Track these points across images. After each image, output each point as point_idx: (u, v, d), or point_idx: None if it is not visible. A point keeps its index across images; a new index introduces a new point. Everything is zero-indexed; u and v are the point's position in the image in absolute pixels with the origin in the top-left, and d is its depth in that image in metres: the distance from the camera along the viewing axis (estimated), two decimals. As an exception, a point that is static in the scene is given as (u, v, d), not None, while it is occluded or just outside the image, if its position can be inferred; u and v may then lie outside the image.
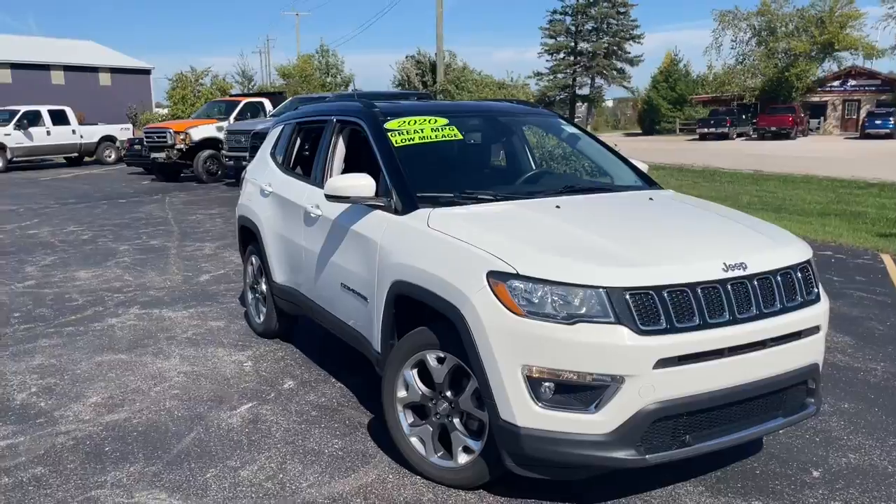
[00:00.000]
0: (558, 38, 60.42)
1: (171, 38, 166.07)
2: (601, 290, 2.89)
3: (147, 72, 55.37)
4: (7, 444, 3.93)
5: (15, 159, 24.24)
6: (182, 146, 18.39)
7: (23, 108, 24.82)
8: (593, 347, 2.87)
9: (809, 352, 3.31)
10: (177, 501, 3.35)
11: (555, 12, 60.38)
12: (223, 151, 16.91)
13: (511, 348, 2.97)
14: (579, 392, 2.93)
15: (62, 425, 4.16)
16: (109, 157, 26.50)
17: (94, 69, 51.52)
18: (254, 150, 13.92)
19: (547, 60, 61.71)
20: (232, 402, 4.47)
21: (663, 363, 2.88)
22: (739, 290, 3.07)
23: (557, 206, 3.67)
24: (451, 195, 3.77)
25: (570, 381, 2.91)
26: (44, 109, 25.06)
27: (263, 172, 5.57)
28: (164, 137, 18.59)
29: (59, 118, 25.13)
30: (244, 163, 14.76)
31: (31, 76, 46.89)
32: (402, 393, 3.52)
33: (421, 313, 3.46)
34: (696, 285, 2.98)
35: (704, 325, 2.96)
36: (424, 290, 3.34)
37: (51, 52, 50.42)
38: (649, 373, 2.87)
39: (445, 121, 4.32)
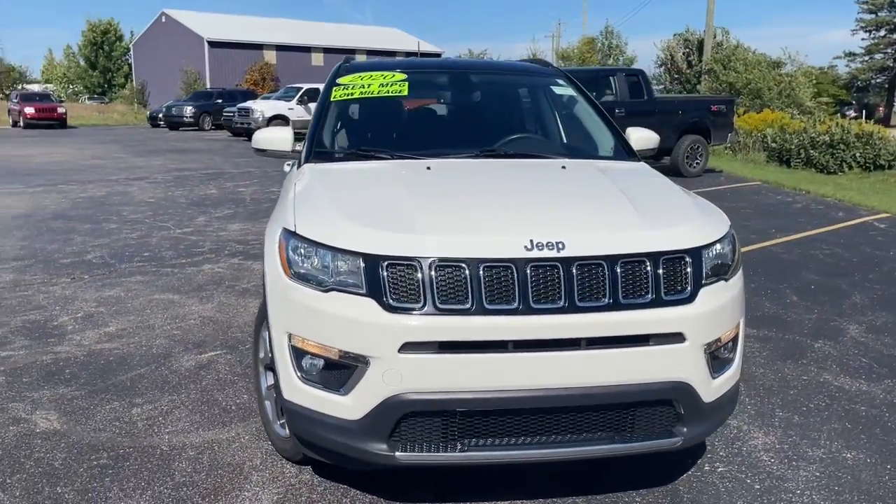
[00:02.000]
0: (879, 13, 52.77)
1: (466, 25, 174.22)
2: (359, 256, 2.51)
3: (438, 55, 58.84)
4: (4, 355, 4.51)
5: (295, 130, 27.35)
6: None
7: (305, 86, 27.81)
8: (340, 320, 2.52)
9: (669, 365, 2.57)
10: (55, 422, 3.59)
11: (878, -17, 52.75)
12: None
13: (281, 313, 2.73)
14: (333, 369, 2.59)
15: (60, 346, 4.65)
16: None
17: (393, 53, 55.97)
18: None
19: (863, 39, 54.35)
20: (205, 348, 4.65)
21: (413, 348, 2.43)
22: (543, 274, 2.47)
23: (428, 168, 3.27)
24: (349, 150, 3.53)
25: (319, 355, 2.59)
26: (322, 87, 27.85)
27: None
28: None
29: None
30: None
31: (334, 59, 52.25)
32: (262, 353, 3.40)
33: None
34: (480, 262, 2.46)
35: (480, 311, 2.44)
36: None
37: (357, 38, 55.75)
38: (394, 357, 2.44)
39: (403, 76, 4.03)
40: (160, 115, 35.85)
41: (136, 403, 3.82)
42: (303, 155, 3.64)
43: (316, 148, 3.63)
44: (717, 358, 2.76)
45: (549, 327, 2.45)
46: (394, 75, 4.02)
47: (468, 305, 2.44)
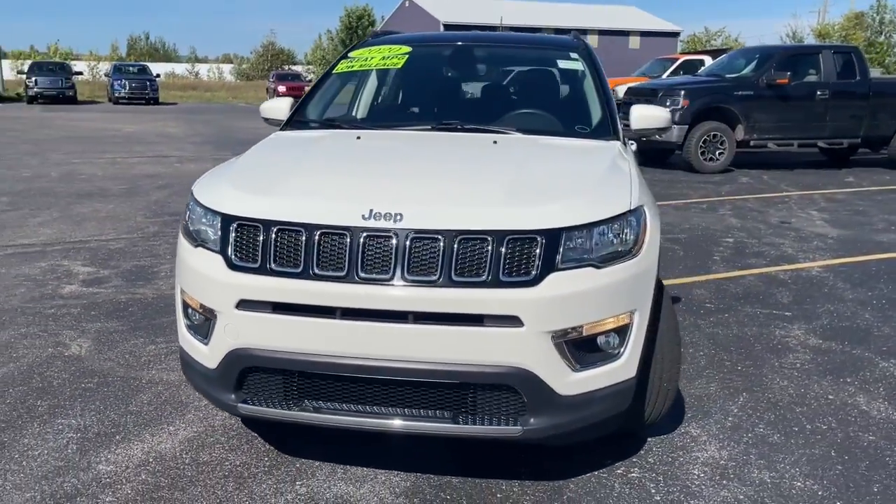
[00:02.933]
0: None
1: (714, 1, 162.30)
2: (218, 215, 2.68)
3: (675, 34, 56.13)
4: (94, 291, 5.27)
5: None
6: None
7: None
8: (199, 275, 2.72)
9: (506, 350, 2.45)
10: (83, 350, 4.18)
11: None
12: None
13: (176, 268, 2.98)
14: (200, 320, 2.79)
15: (142, 289, 5.33)
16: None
17: (626, 33, 54.39)
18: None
19: None
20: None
21: (248, 306, 2.56)
22: (376, 244, 2.47)
23: (358, 138, 3.33)
24: (320, 120, 3.70)
25: (191, 306, 2.80)
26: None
27: None
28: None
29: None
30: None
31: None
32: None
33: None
34: (316, 228, 2.51)
35: (309, 275, 2.50)
36: None
37: (589, 17, 54.86)
38: (232, 312, 2.59)
39: (406, 49, 4.09)
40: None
41: (155, 342, 4.31)
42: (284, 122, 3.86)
43: (295, 116, 3.83)
44: (582, 349, 2.56)
45: (375, 298, 2.45)
46: (400, 48, 4.09)
47: (300, 269, 2.51)
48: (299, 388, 2.63)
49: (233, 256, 2.60)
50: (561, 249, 2.49)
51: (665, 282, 5.59)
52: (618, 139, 3.50)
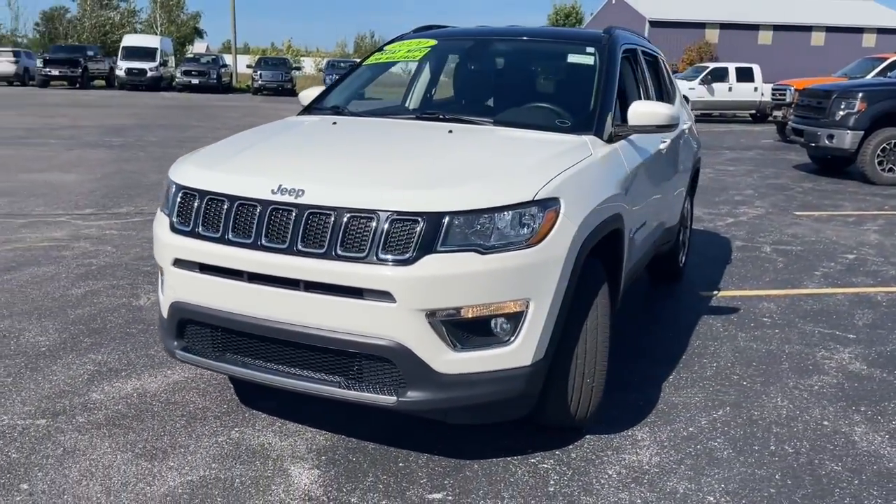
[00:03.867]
0: None
1: None
2: (173, 184, 3.06)
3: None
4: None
5: (696, 111, 26.59)
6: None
7: (711, 65, 26.72)
8: (154, 235, 3.12)
9: (382, 323, 2.61)
10: (147, 300, 4.82)
11: None
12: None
13: None
14: (160, 275, 3.18)
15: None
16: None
17: (859, 30, 49.47)
18: (804, 108, 12.68)
19: None
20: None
21: (182, 264, 2.92)
22: (279, 216, 2.72)
23: (334, 123, 3.59)
24: (330, 107, 4.01)
25: (158, 264, 3.21)
26: (731, 67, 26.41)
27: None
28: (784, 95, 17.92)
29: (744, 75, 26.12)
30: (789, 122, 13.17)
31: (792, 37, 47.96)
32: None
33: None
34: (235, 199, 2.82)
35: (224, 240, 2.81)
36: None
37: (814, 13, 50.50)
38: (170, 269, 2.97)
39: (431, 42, 4.27)
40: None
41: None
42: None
43: (313, 103, 4.15)
44: (463, 330, 2.65)
45: (273, 265, 2.70)
46: (426, 42, 4.28)
47: (219, 235, 2.82)
48: (223, 342, 2.94)
49: (174, 220, 2.98)
50: (442, 232, 2.59)
51: (733, 292, 5.38)
52: (596, 134, 3.44)
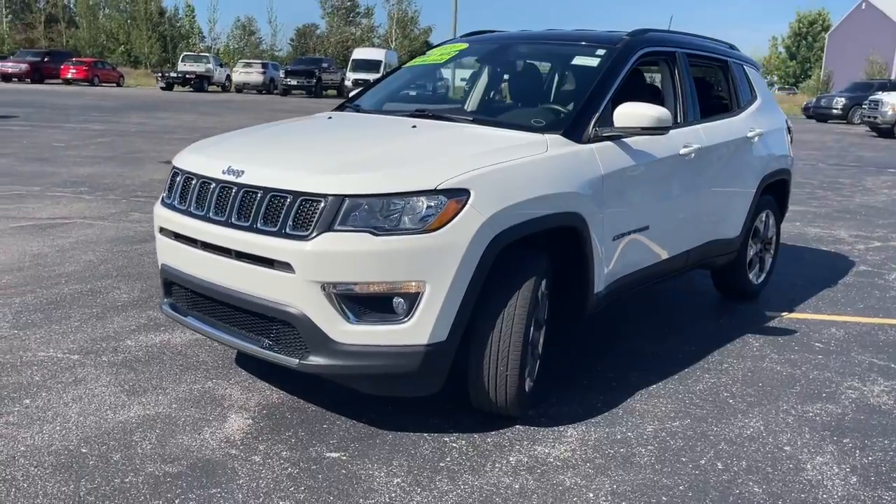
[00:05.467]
0: None
1: None
2: (173, 168, 3.59)
3: None
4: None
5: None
6: None
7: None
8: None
9: (285, 291, 2.93)
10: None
11: None
12: None
13: None
14: (163, 241, 3.74)
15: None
16: None
17: None
18: None
19: None
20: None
21: (164, 232, 3.44)
22: (224, 193, 3.14)
23: (329, 118, 3.94)
24: (353, 105, 4.39)
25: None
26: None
27: None
28: None
29: None
30: None
31: None
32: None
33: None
34: (199, 177, 3.28)
35: (188, 213, 3.27)
36: None
37: None
38: (158, 237, 3.50)
39: (461, 46, 4.50)
40: (811, 108, 34.93)
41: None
42: None
43: (346, 101, 4.54)
44: (358, 304, 2.88)
45: (215, 236, 3.12)
46: (457, 46, 4.51)
47: (184, 207, 3.30)
48: (190, 301, 3.42)
49: (164, 195, 3.51)
50: (341, 213, 2.85)
51: (804, 315, 4.97)
52: (565, 135, 3.47)
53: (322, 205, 2.87)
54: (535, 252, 3.25)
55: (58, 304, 4.64)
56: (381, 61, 39.62)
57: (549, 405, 3.48)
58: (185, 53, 47.02)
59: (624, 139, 3.68)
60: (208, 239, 3.15)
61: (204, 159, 3.36)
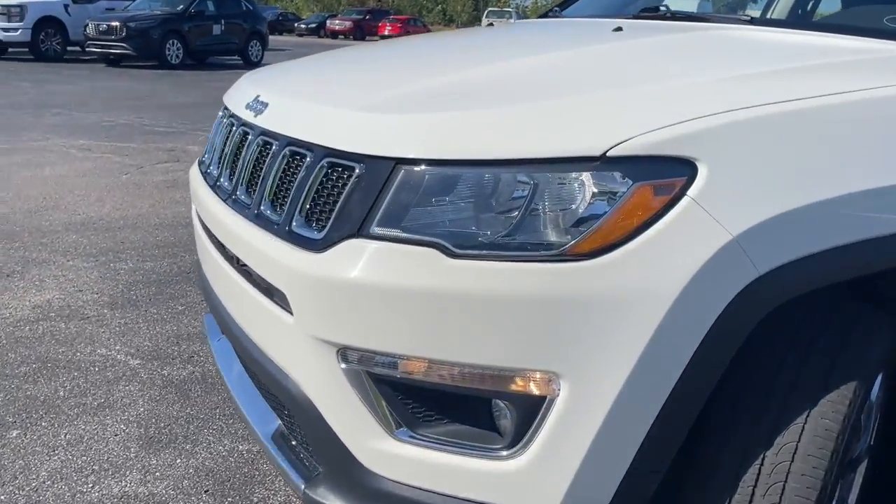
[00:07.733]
0: None
1: None
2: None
3: None
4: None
5: None
6: None
7: None
8: None
9: (280, 344, 1.45)
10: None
11: None
12: None
13: None
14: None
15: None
16: None
17: None
18: None
19: None
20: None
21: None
22: (241, 144, 1.76)
23: (491, 24, 2.31)
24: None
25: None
26: None
27: None
28: None
29: None
30: None
31: None
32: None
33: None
34: (231, 116, 1.90)
35: (205, 182, 1.92)
36: None
37: None
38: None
39: None
40: None
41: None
42: None
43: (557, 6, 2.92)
44: (417, 402, 1.31)
45: (219, 224, 1.72)
46: None
47: (205, 170, 1.97)
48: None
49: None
50: (388, 197, 1.27)
51: None
52: None
53: (354, 175, 1.31)
54: (859, 316, 1.39)
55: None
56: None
57: None
58: (490, 9, 47.68)
59: None
60: (217, 231, 1.76)
61: (240, 91, 1.97)
